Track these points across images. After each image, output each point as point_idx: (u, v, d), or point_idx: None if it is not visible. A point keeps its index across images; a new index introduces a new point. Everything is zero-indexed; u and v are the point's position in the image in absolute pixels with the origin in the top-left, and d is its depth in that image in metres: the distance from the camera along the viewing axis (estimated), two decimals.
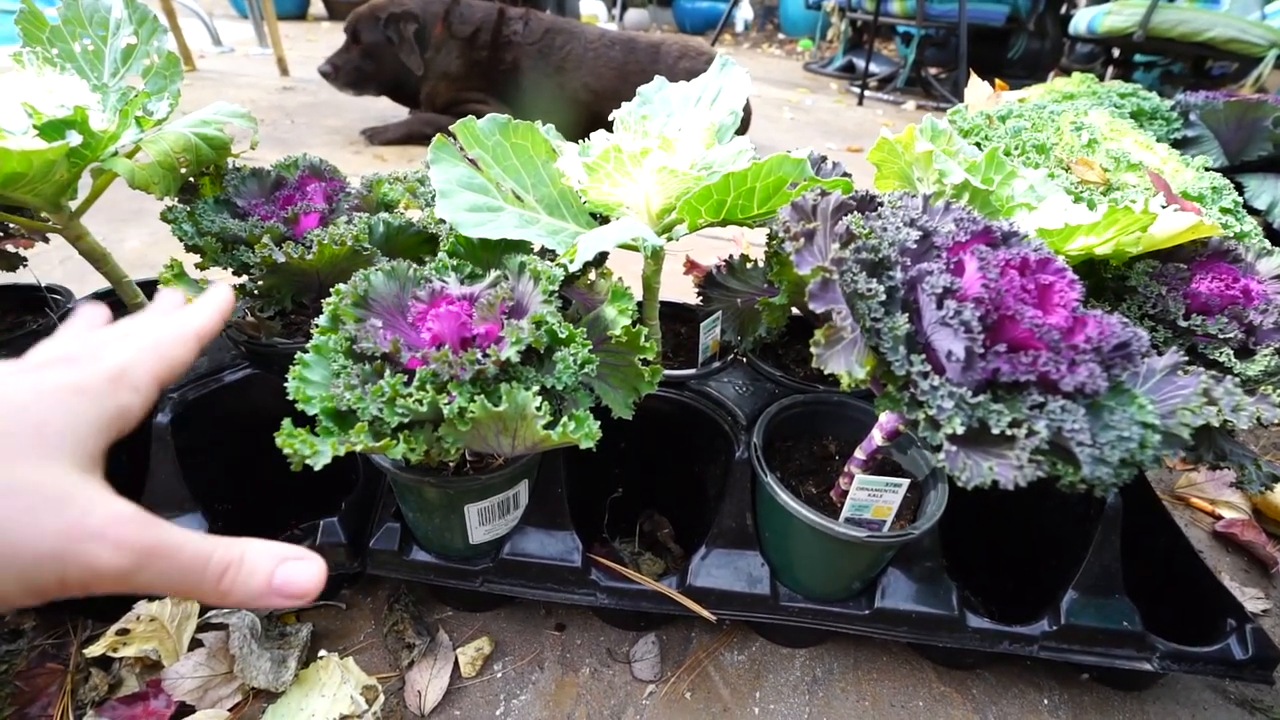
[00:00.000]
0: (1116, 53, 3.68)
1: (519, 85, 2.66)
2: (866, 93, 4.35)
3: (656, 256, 0.80)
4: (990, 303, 0.50)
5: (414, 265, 0.64)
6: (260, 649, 0.76)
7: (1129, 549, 0.82)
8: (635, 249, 0.73)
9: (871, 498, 0.63)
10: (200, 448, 0.79)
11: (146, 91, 0.75)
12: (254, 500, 0.83)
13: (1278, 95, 1.58)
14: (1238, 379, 0.72)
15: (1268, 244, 0.94)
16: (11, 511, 0.26)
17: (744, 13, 7.17)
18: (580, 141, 0.79)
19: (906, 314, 0.51)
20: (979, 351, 0.47)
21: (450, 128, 0.71)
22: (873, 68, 4.67)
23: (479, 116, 2.66)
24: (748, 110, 2.86)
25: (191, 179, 0.82)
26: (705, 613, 0.73)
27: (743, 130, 2.91)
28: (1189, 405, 0.53)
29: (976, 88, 1.33)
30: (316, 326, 0.59)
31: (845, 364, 0.48)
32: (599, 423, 0.55)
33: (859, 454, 0.68)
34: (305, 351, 0.57)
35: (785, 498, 0.65)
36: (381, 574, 0.77)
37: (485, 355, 0.52)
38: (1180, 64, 3.36)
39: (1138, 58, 3.75)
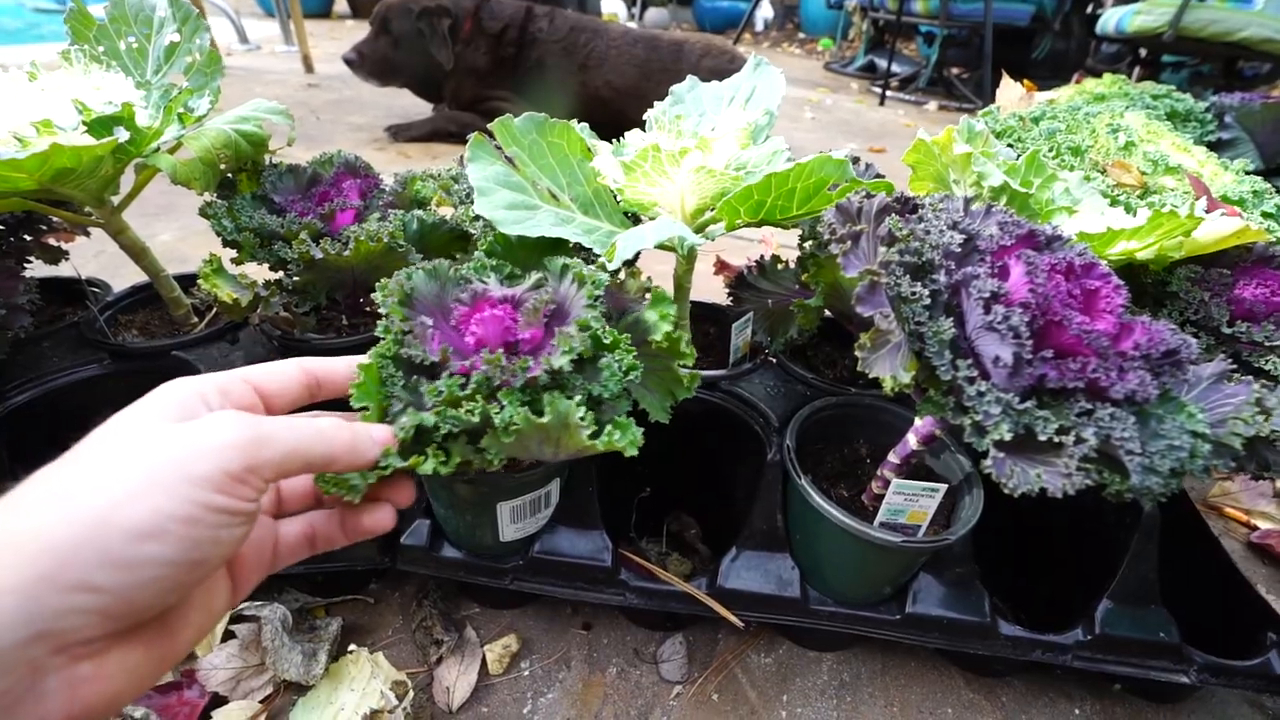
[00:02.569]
0: (1144, 53, 3.62)
1: (543, 83, 2.66)
2: (888, 93, 4.31)
3: (690, 256, 0.80)
4: (1037, 308, 0.50)
5: (454, 265, 0.64)
6: (291, 642, 0.77)
7: (1164, 558, 0.80)
8: (671, 248, 0.73)
9: (908, 502, 0.62)
10: None
11: (189, 89, 0.76)
12: None
13: None
14: None
15: None
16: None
17: (764, 12, 7.14)
18: (614, 141, 0.79)
19: (950, 318, 0.51)
20: (1027, 357, 0.47)
21: (488, 125, 0.71)
22: (894, 68, 4.63)
23: (503, 114, 2.67)
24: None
25: (230, 175, 0.83)
26: (733, 618, 0.73)
27: None
28: (1240, 415, 0.52)
29: (1008, 89, 1.32)
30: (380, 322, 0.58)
31: (890, 368, 0.48)
32: (642, 429, 0.54)
33: (892, 457, 0.68)
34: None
35: (819, 500, 0.65)
36: (411, 570, 0.78)
37: (537, 362, 0.52)
38: (1210, 65, 3.30)
39: (1166, 58, 3.68)
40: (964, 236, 0.54)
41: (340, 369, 0.49)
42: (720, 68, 2.61)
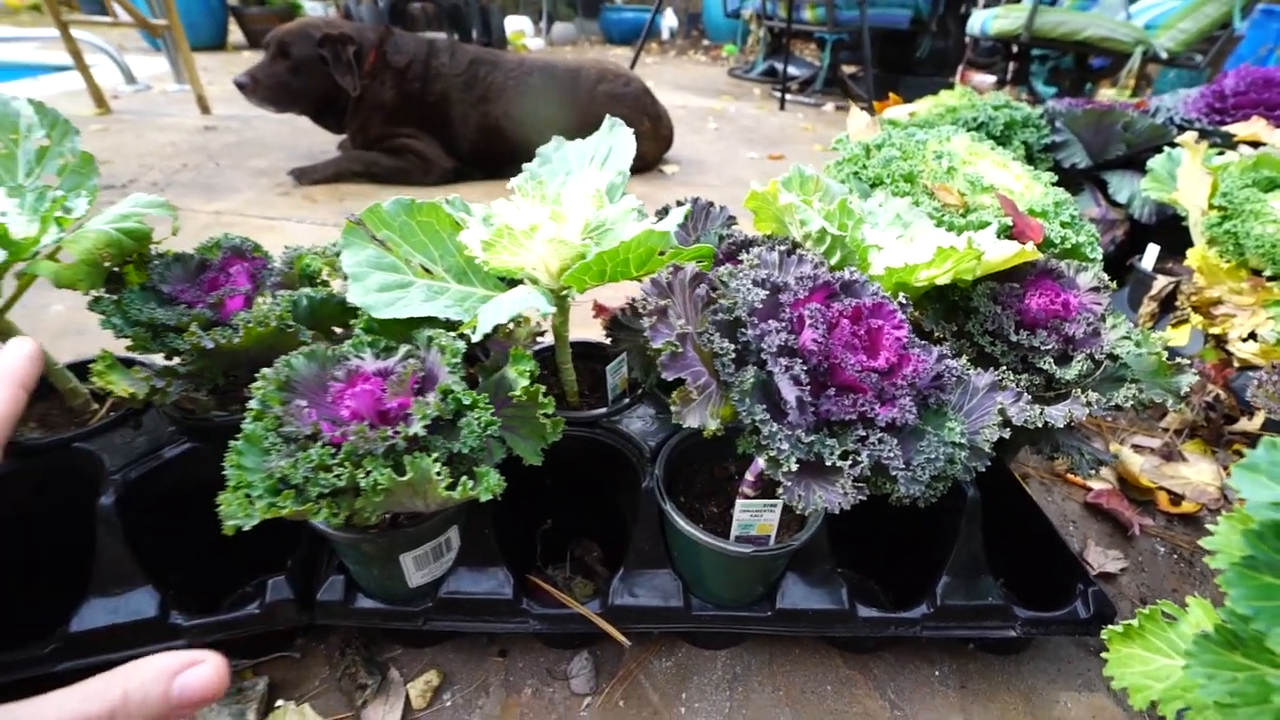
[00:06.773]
0: (1015, 49, 3.94)
1: (447, 117, 2.70)
2: (788, 96, 4.52)
3: (563, 309, 0.89)
4: (820, 354, 0.60)
5: (332, 346, 0.71)
6: (219, 706, 0.82)
7: (1001, 533, 0.94)
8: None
9: (753, 518, 0.72)
10: (146, 523, 0.84)
11: (63, 196, 0.79)
12: (204, 567, 0.88)
13: (1124, 102, 1.75)
14: (1059, 383, 0.85)
15: (1097, 258, 1.08)
16: None
17: (669, 21, 7.31)
18: (486, 206, 0.87)
19: (754, 368, 0.61)
20: (808, 400, 0.57)
21: (358, 215, 0.78)
22: (793, 71, 4.86)
23: (410, 151, 2.78)
24: (669, 125, 2.96)
25: (115, 269, 0.86)
26: (618, 634, 0.82)
27: (667, 146, 3.02)
28: (989, 424, 0.65)
29: (856, 118, 1.46)
30: (250, 409, 0.66)
31: (700, 419, 0.57)
32: (502, 476, 0.63)
33: (749, 475, 0.78)
34: (237, 439, 0.64)
35: (682, 523, 0.75)
36: (330, 623, 0.83)
37: (396, 431, 0.59)
38: (1067, 59, 3.63)
39: (1033, 52, 4.02)
40: (767, 292, 0.64)
41: None
42: (616, 92, 2.71)
